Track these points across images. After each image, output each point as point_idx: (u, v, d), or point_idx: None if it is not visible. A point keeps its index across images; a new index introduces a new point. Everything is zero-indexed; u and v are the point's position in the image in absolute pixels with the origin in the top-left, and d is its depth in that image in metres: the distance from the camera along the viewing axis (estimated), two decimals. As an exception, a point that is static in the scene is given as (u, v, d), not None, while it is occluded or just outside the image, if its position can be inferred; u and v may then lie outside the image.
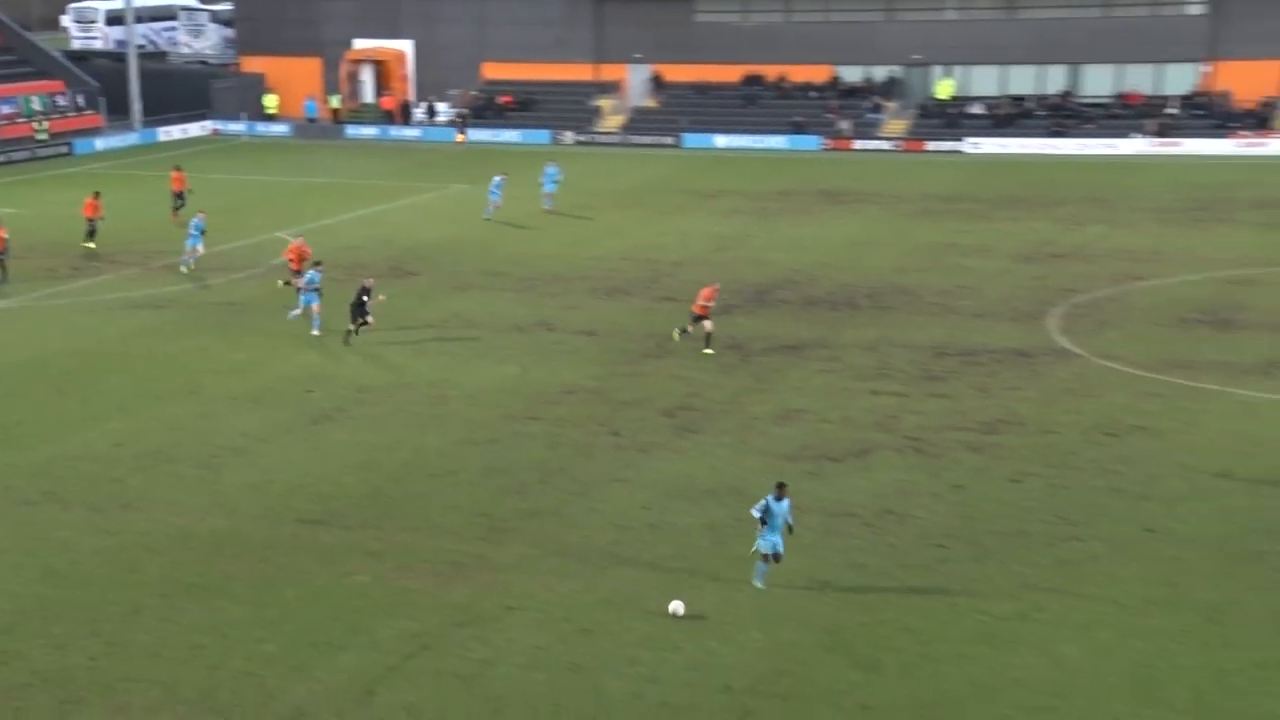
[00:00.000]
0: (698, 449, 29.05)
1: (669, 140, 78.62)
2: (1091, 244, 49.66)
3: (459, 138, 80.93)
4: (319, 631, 21.21)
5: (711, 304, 36.13)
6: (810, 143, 76.29)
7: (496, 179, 56.40)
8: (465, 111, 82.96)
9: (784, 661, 20.11)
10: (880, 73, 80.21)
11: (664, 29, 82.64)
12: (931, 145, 74.59)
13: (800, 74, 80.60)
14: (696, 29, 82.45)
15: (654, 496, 26.40)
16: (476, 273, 46.38)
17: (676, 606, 21.17)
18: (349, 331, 37.04)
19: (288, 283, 42.31)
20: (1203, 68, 74.83)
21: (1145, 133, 71.98)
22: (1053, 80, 77.31)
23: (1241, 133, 70.91)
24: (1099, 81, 76.54)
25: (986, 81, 78.23)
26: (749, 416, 31.09)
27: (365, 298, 36.91)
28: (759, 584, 22.20)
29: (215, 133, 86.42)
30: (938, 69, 79.32)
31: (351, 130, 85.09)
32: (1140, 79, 75.65)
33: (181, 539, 24.79)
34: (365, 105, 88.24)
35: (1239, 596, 21.95)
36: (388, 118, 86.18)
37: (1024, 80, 77.56)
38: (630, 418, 31.08)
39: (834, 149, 75.67)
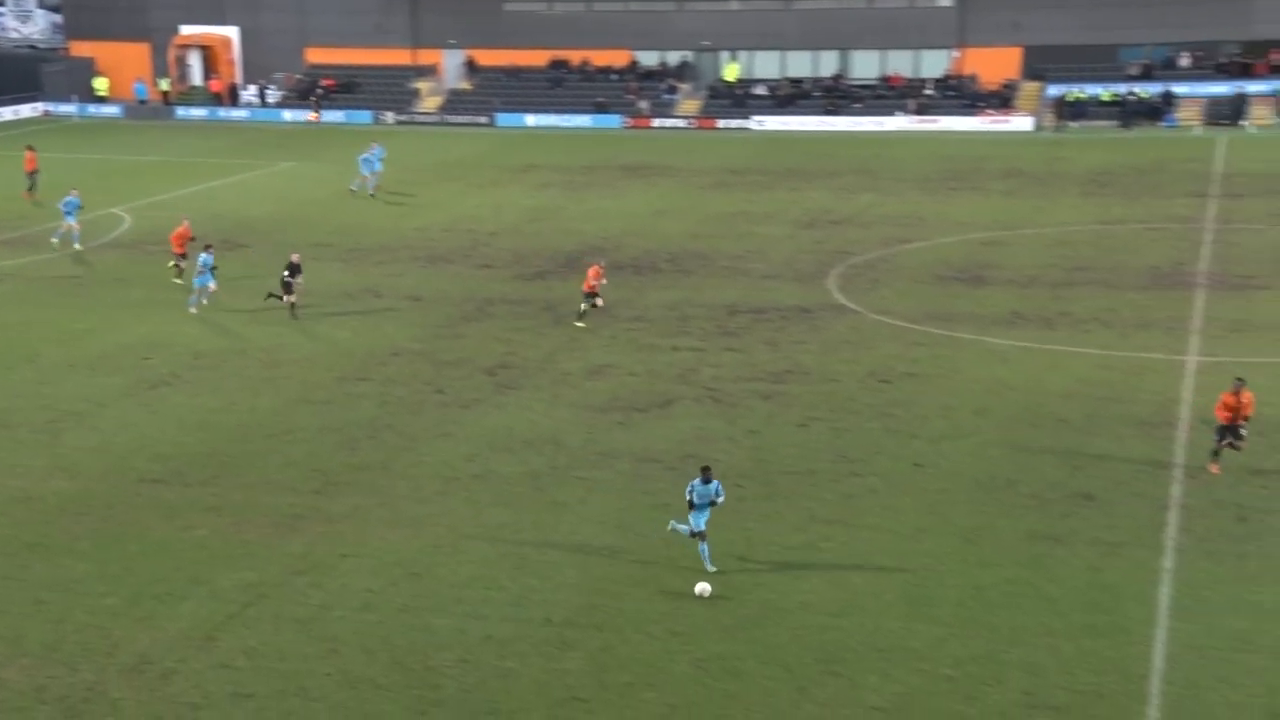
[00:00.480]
0: (516, 404, 28.78)
1: (483, 120, 77.59)
2: (863, 211, 50.62)
3: (312, 116, 78.65)
4: (161, 583, 20.41)
5: (599, 282, 34.78)
6: (612, 121, 76.08)
7: (375, 149, 55.31)
8: (321, 92, 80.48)
9: (598, 595, 20.05)
10: (674, 57, 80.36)
11: (476, 17, 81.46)
12: (722, 123, 75.08)
13: (602, 58, 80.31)
14: (506, 17, 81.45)
15: (477, 449, 26.06)
16: (305, 244, 44.86)
17: (704, 588, 20.00)
18: (288, 304, 35.48)
19: (176, 265, 40.18)
20: (953, 54, 76.92)
21: (907, 111, 73.65)
22: (825, 64, 78.49)
23: (988, 111, 73.08)
24: (866, 66, 78.01)
25: (768, 65, 79.06)
26: (562, 373, 30.91)
27: (294, 274, 35.34)
28: (710, 566, 20.63)
29: (46, 114, 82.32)
30: (725, 54, 79.84)
31: (181, 111, 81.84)
32: (901, 63, 77.37)
33: (24, 500, 23.60)
34: (194, 88, 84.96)
35: (993, 521, 22.61)
36: (216, 100, 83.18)
37: (801, 64, 78.62)
38: (453, 376, 30.62)
39: (634, 127, 75.62)
